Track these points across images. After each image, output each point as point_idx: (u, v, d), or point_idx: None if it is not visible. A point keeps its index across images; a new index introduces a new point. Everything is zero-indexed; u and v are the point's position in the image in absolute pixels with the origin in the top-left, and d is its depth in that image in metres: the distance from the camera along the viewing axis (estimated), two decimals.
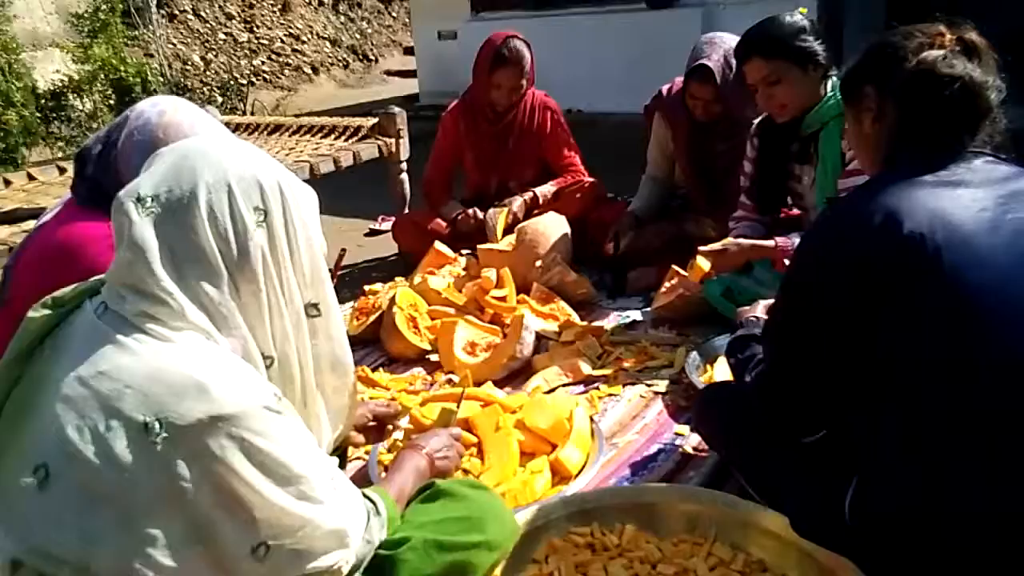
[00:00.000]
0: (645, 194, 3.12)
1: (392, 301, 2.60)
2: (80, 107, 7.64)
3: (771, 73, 2.22)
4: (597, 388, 2.23)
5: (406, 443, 1.51)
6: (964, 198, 1.16)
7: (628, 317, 2.73)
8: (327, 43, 11.55)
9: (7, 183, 3.72)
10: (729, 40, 2.59)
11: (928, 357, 1.12)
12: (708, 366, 2.23)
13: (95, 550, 0.91)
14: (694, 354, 2.25)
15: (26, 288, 1.47)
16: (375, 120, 3.90)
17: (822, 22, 3.86)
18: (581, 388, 2.26)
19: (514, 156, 3.33)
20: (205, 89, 9.08)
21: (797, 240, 2.26)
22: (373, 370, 2.46)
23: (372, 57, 12.03)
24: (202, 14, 10.40)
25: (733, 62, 2.50)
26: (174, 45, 9.78)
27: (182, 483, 0.92)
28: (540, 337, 2.48)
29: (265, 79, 10.37)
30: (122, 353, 0.95)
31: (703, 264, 2.32)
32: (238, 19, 10.73)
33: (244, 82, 9.38)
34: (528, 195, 3.26)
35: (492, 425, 1.86)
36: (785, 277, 1.37)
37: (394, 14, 12.68)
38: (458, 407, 1.73)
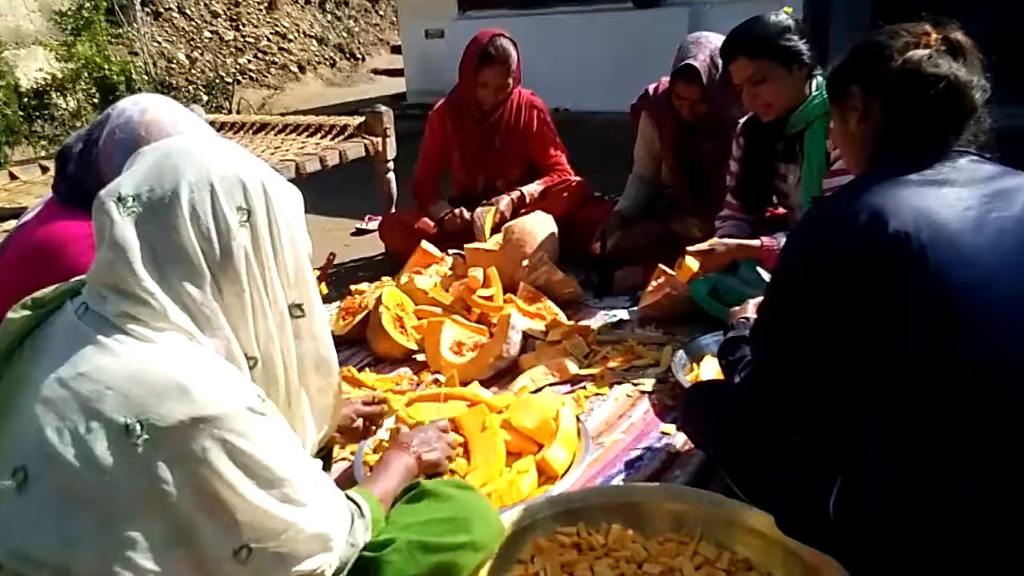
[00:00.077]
0: (632, 193, 3.13)
1: (378, 301, 2.59)
2: (64, 106, 7.56)
3: (756, 72, 2.23)
4: (584, 387, 2.23)
5: (392, 441, 1.50)
6: (949, 197, 1.17)
7: (615, 316, 2.73)
8: (314, 41, 11.50)
9: None
10: (715, 40, 2.60)
11: (912, 356, 1.13)
12: (694, 365, 2.23)
13: (75, 553, 0.90)
14: (680, 353, 2.25)
15: (6, 288, 1.45)
16: (362, 119, 3.89)
17: (808, 21, 3.87)
18: (568, 387, 2.25)
19: (501, 155, 3.33)
20: (190, 87, 9.02)
21: (783, 239, 2.27)
22: (359, 370, 2.45)
23: (359, 56, 11.99)
24: (187, 12, 10.33)
25: (719, 62, 2.50)
26: (159, 43, 9.71)
27: (163, 485, 0.91)
28: (527, 336, 2.47)
29: (251, 78, 10.31)
30: (103, 354, 0.94)
31: (692, 264, 2.32)
32: (224, 17, 10.66)
33: (230, 81, 9.32)
34: (515, 194, 3.26)
35: (478, 425, 1.85)
36: (772, 277, 1.38)
37: (381, 12, 12.64)
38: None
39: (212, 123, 4.22)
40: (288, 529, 0.99)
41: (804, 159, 2.35)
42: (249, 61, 10.45)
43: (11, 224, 2.36)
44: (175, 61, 9.66)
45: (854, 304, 1.16)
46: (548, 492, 1.67)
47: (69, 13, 7.96)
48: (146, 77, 8.48)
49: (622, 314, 2.74)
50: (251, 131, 4.16)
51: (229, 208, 1.02)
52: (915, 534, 1.13)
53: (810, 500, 1.26)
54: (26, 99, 7.38)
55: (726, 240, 2.39)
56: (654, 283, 2.65)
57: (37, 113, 7.45)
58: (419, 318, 2.63)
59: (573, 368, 2.30)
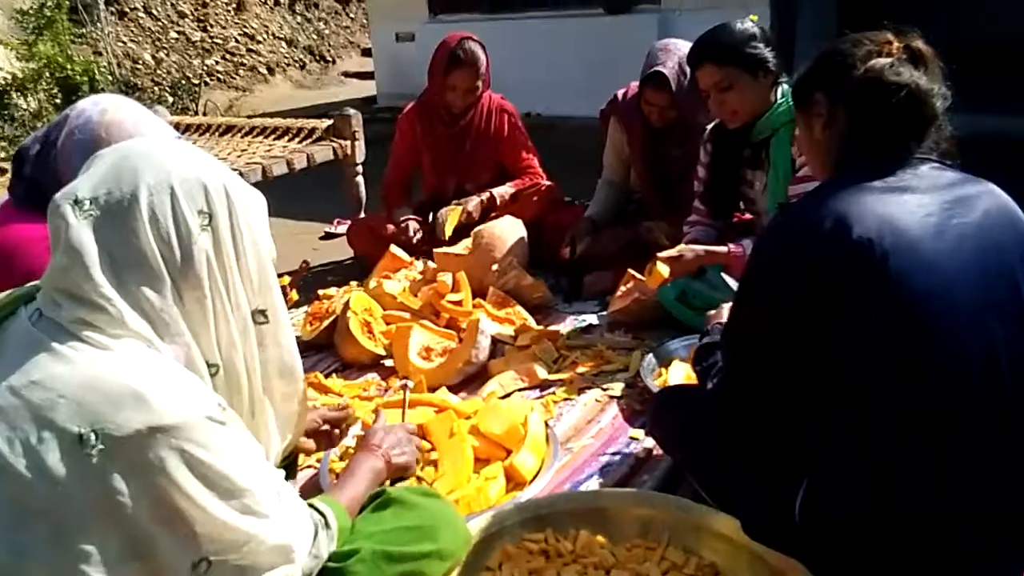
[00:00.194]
0: (601, 199, 3.14)
1: (346, 306, 2.56)
2: (24, 106, 7.40)
3: (723, 79, 2.25)
4: (553, 393, 2.23)
5: (360, 443, 1.47)
6: (911, 204, 1.18)
7: (584, 321, 2.73)
8: (283, 43, 11.40)
9: None
10: (683, 47, 2.62)
11: (875, 362, 1.14)
12: (663, 370, 2.24)
13: (26, 565, 0.88)
14: (649, 357, 2.26)
15: None
16: (330, 122, 3.85)
17: (775, 29, 3.92)
18: (537, 393, 2.25)
19: (471, 159, 3.32)
20: (156, 88, 8.88)
21: (749, 245, 2.29)
22: (326, 376, 2.42)
23: (329, 58, 11.91)
24: (154, 12, 10.18)
25: (687, 69, 2.52)
26: (124, 43, 9.55)
27: (119, 497, 0.89)
28: (496, 341, 2.47)
29: (219, 79, 10.19)
30: (56, 362, 0.92)
31: (663, 270, 2.33)
32: (191, 18, 10.52)
33: (197, 82, 9.20)
34: (485, 195, 3.25)
35: (446, 431, 1.84)
36: (740, 283, 1.38)
37: (352, 15, 12.57)
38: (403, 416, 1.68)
39: (177, 125, 4.16)
40: (249, 541, 0.97)
41: (770, 166, 2.37)
42: (217, 62, 10.32)
43: None
44: (141, 61, 9.51)
45: (820, 310, 1.16)
46: (516, 498, 1.66)
47: (31, 12, 7.79)
48: (110, 77, 8.34)
49: (591, 319, 2.74)
50: (217, 133, 4.10)
51: (190, 212, 1.00)
52: (878, 539, 1.15)
53: (776, 504, 1.27)
54: None
55: (694, 247, 2.41)
56: (623, 288, 2.66)
57: None
58: (387, 323, 2.61)
59: (542, 373, 2.30)
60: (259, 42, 11.05)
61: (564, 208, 3.35)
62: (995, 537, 1.16)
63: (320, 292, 2.99)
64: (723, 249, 2.37)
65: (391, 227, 3.31)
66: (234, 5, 11.07)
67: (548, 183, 3.35)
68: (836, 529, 1.18)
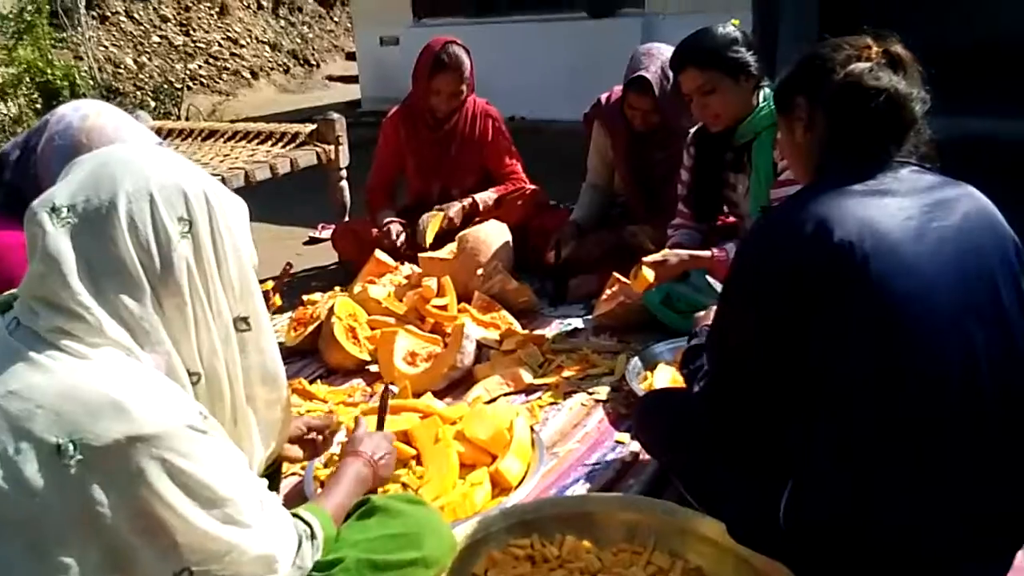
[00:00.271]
0: (586, 202, 3.14)
1: (330, 311, 2.55)
2: (4, 111, 7.33)
3: (705, 83, 2.26)
4: (539, 397, 2.23)
5: (344, 449, 1.46)
6: (891, 207, 1.19)
7: (570, 325, 2.73)
8: (267, 47, 11.35)
9: None
10: (666, 51, 2.63)
11: (856, 365, 1.14)
12: (648, 373, 2.24)
13: None
14: (634, 361, 2.26)
15: None
16: (313, 126, 3.84)
17: (757, 32, 3.94)
18: (523, 397, 2.25)
19: (456, 163, 3.32)
20: (138, 93, 8.82)
21: (732, 249, 2.30)
22: (311, 382, 2.41)
23: (313, 62, 11.88)
24: (135, 16, 10.11)
25: (670, 73, 2.53)
26: (106, 47, 9.48)
27: (98, 508, 0.88)
28: (481, 346, 2.46)
29: (202, 83, 10.13)
30: (34, 371, 0.91)
31: (648, 274, 2.34)
32: (174, 22, 10.46)
33: (179, 86, 9.14)
34: (467, 201, 3.24)
35: (431, 437, 1.83)
36: (723, 286, 1.39)
37: (336, 19, 12.54)
38: (382, 423, 1.66)
39: (159, 130, 4.12)
40: (231, 551, 0.96)
41: (752, 169, 2.38)
42: (200, 67, 10.27)
43: None
44: (122, 66, 9.45)
45: (802, 313, 1.17)
46: (502, 504, 1.66)
47: (10, 16, 7.73)
48: (91, 82, 8.27)
49: (577, 323, 2.74)
50: (199, 138, 4.07)
51: (169, 218, 0.99)
52: (861, 541, 1.15)
53: (761, 508, 1.27)
54: None
55: (678, 251, 2.42)
56: (608, 291, 2.66)
57: None
58: (372, 328, 2.60)
59: (528, 378, 2.29)
60: (242, 46, 11.00)
61: (549, 212, 3.35)
62: (976, 539, 1.17)
63: (304, 297, 2.97)
64: (707, 253, 2.38)
65: (375, 231, 3.30)
66: (217, 9, 11.02)
67: (532, 187, 3.35)
68: (820, 532, 1.18)
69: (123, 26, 9.91)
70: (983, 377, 1.13)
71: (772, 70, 2.33)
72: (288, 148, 3.77)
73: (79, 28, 8.94)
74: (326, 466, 1.87)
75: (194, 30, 10.61)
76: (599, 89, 3.14)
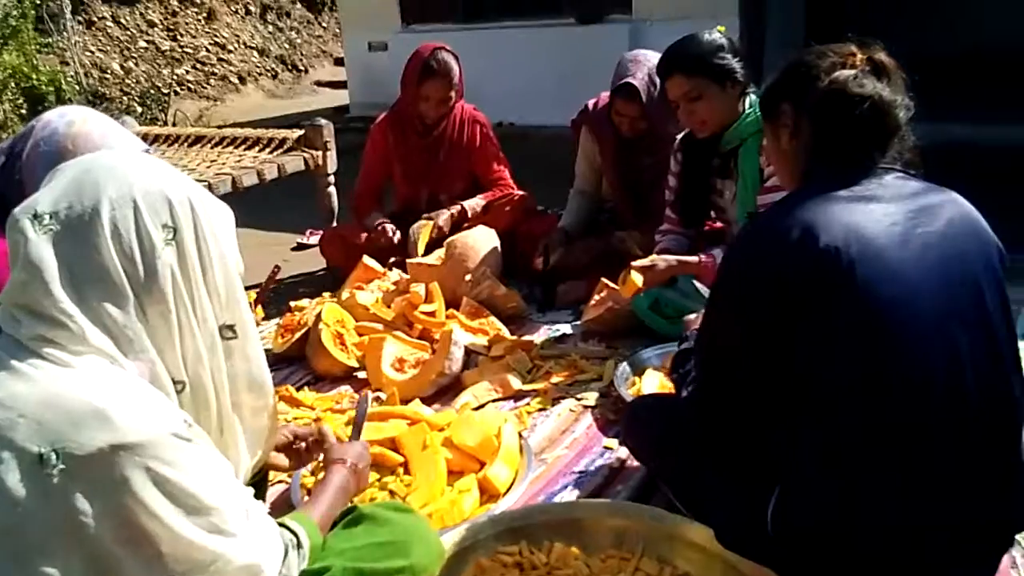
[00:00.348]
0: (574, 209, 3.15)
1: (318, 317, 2.54)
2: None
3: (692, 89, 2.28)
4: (527, 403, 2.22)
5: (327, 457, 1.44)
6: (876, 212, 1.19)
7: (558, 331, 2.73)
8: (255, 53, 11.32)
9: None
10: (653, 58, 2.64)
11: (842, 371, 1.15)
12: (636, 379, 2.24)
13: None
14: (623, 366, 2.26)
15: None
16: (301, 132, 3.83)
17: (744, 39, 3.97)
18: (511, 403, 2.24)
19: (444, 169, 3.32)
20: (125, 98, 8.77)
21: (720, 254, 2.31)
22: (298, 389, 2.40)
23: (302, 67, 11.85)
24: (122, 21, 10.06)
25: (657, 79, 2.54)
26: (92, 53, 9.43)
27: (81, 517, 0.87)
28: (469, 352, 2.46)
29: (190, 88, 10.09)
30: (16, 380, 0.90)
31: (637, 279, 2.35)
32: (161, 27, 10.41)
33: (166, 91, 9.10)
34: (455, 209, 3.24)
35: (419, 444, 1.83)
36: (710, 292, 1.39)
37: (324, 24, 12.52)
38: (359, 433, 1.64)
39: (145, 135, 4.11)
40: (216, 560, 0.96)
41: (739, 175, 2.40)
42: (187, 72, 10.23)
43: None
44: (109, 71, 9.39)
45: (788, 319, 1.17)
46: (490, 511, 1.65)
47: None
48: (77, 87, 8.23)
49: (565, 328, 2.74)
50: (186, 143, 4.05)
51: (153, 226, 0.98)
52: (848, 547, 1.15)
53: (749, 513, 1.27)
54: None
55: (666, 257, 2.43)
56: (597, 297, 2.66)
57: None
58: (360, 334, 2.59)
59: (516, 384, 2.29)
60: (230, 51, 10.97)
61: (537, 217, 3.36)
62: (962, 544, 1.18)
63: (292, 304, 2.96)
64: (694, 259, 2.39)
65: (364, 235, 3.29)
66: (204, 14, 10.98)
67: (520, 193, 3.35)
68: (807, 538, 1.18)
69: (110, 31, 9.86)
70: (968, 382, 1.14)
71: (758, 76, 2.34)
72: (276, 154, 3.76)
73: (65, 33, 8.89)
74: (313, 474, 1.86)
75: (181, 35, 10.57)
76: (587, 95, 3.14)
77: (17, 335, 0.93)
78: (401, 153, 3.32)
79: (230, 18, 11.35)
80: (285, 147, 3.79)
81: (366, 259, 3.04)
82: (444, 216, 3.20)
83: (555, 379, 2.35)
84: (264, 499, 1.50)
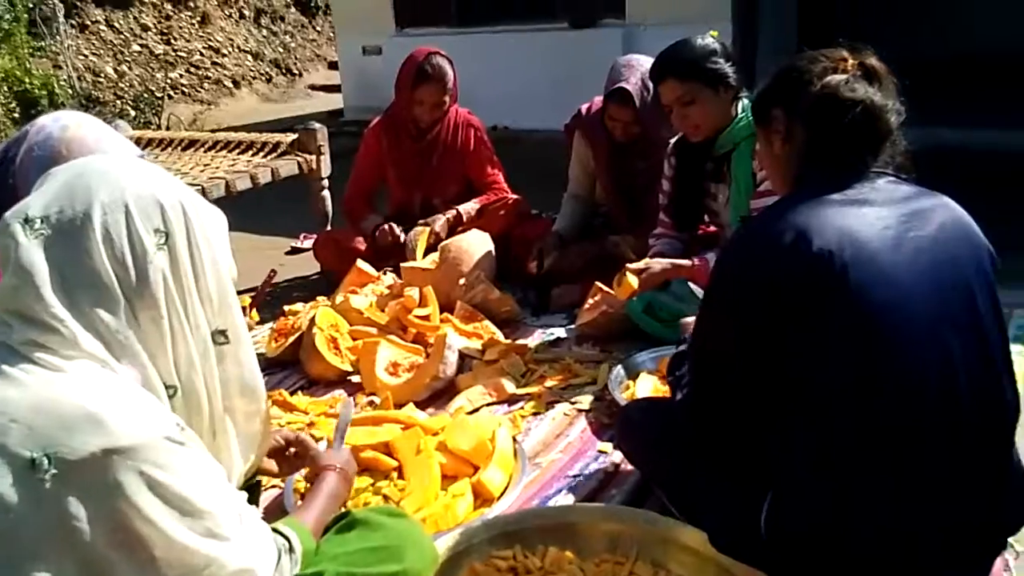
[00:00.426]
0: (567, 213, 3.15)
1: (312, 322, 2.53)
2: None
3: (685, 94, 2.28)
4: (521, 407, 2.22)
5: (316, 463, 1.44)
6: (869, 216, 1.20)
7: (552, 334, 2.73)
8: (248, 56, 11.30)
9: None
10: (646, 62, 2.65)
11: (835, 374, 1.15)
12: (631, 382, 2.24)
13: None
14: (617, 370, 2.27)
15: None
16: (295, 136, 3.82)
17: (736, 43, 3.98)
18: (505, 407, 2.24)
19: (438, 173, 3.32)
20: (118, 102, 8.76)
21: (713, 258, 2.32)
22: (292, 393, 2.39)
23: (296, 71, 11.83)
24: (115, 25, 10.04)
25: (650, 84, 2.55)
26: (85, 56, 9.40)
27: (74, 522, 0.87)
28: (464, 356, 2.46)
29: (184, 92, 10.07)
30: (7, 385, 0.90)
31: (632, 281, 2.35)
32: (154, 31, 10.40)
33: (160, 95, 9.09)
34: (451, 213, 3.24)
35: (413, 448, 1.82)
36: (703, 296, 1.40)
37: (318, 28, 12.51)
38: (342, 439, 1.64)
39: (139, 139, 4.09)
40: (210, 565, 0.95)
41: (732, 179, 2.40)
42: (181, 75, 10.21)
43: None
44: (102, 75, 9.37)
45: (781, 323, 1.18)
46: (484, 515, 1.65)
47: None
48: (70, 91, 8.21)
49: (559, 332, 2.75)
50: (180, 148, 4.04)
51: (145, 230, 0.98)
52: (842, 550, 1.16)
53: (742, 517, 1.27)
54: None
55: (661, 260, 2.43)
56: (590, 301, 2.66)
57: None
58: (354, 339, 2.59)
59: (510, 387, 2.29)
60: (224, 55, 10.95)
61: (531, 221, 3.36)
62: (955, 547, 1.18)
63: (286, 308, 2.96)
64: (688, 263, 2.40)
65: (365, 237, 3.28)
66: (198, 18, 10.96)
67: (514, 197, 3.35)
68: (800, 541, 1.19)
69: (103, 35, 9.84)
70: (960, 386, 1.15)
71: (751, 81, 2.35)
72: (269, 158, 3.76)
73: (58, 37, 8.87)
74: (306, 478, 1.85)
75: (175, 39, 10.55)
76: (580, 99, 3.15)
77: (8, 340, 0.93)
78: (395, 157, 3.32)
79: (224, 22, 11.34)
80: (279, 151, 3.79)
81: (360, 263, 3.03)
82: (440, 222, 3.20)
83: (549, 383, 2.35)
84: (257, 504, 1.50)
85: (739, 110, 2.36)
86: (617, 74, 2.76)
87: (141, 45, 10.10)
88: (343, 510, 1.33)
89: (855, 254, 1.15)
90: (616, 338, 2.58)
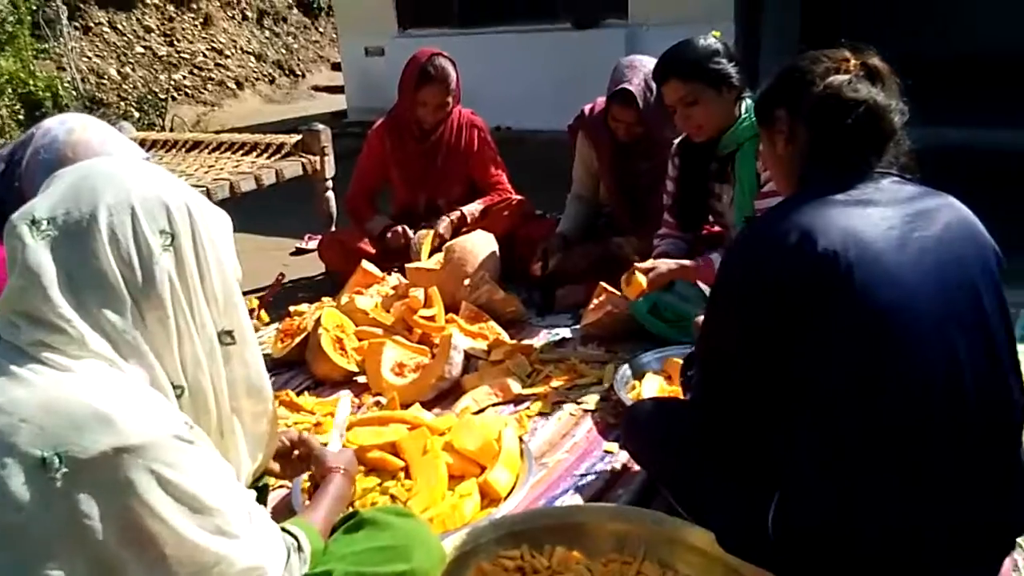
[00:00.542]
0: (571, 214, 3.15)
1: (317, 322, 2.54)
2: None
3: (688, 94, 2.28)
4: (527, 407, 2.23)
5: (318, 467, 1.44)
6: (873, 216, 1.20)
7: (557, 335, 2.73)
8: (251, 58, 11.32)
9: None
10: (649, 63, 2.65)
11: (841, 374, 1.15)
12: (636, 382, 2.24)
13: None
14: (623, 370, 2.27)
15: None
16: (298, 137, 3.83)
17: (739, 44, 3.98)
18: (511, 408, 2.24)
19: (442, 174, 3.32)
20: (122, 104, 8.78)
21: (717, 258, 2.32)
22: (298, 394, 2.39)
23: (299, 72, 11.85)
24: (119, 27, 10.06)
25: (653, 84, 2.55)
26: (89, 58, 9.43)
27: (85, 520, 0.87)
28: (469, 356, 2.46)
29: (187, 94, 10.09)
30: (16, 385, 0.90)
31: (642, 280, 2.35)
32: (157, 32, 10.42)
33: (163, 97, 9.11)
34: (455, 215, 3.25)
35: (419, 448, 1.82)
36: (709, 297, 1.40)
37: (321, 29, 12.53)
38: (340, 436, 1.64)
39: (143, 141, 4.10)
40: (220, 563, 0.96)
41: (736, 180, 2.40)
42: (184, 77, 10.22)
43: None
44: (106, 76, 9.39)
45: (786, 323, 1.18)
46: (491, 515, 1.65)
47: None
48: (74, 93, 8.23)
49: (564, 332, 2.75)
50: (184, 149, 4.05)
51: (151, 231, 0.98)
52: (849, 550, 1.16)
53: (750, 517, 1.28)
54: None
55: (667, 260, 2.43)
56: (595, 301, 2.66)
57: None
58: (359, 339, 2.59)
59: (516, 388, 2.29)
60: (227, 56, 10.97)
61: (535, 221, 3.36)
62: (963, 546, 1.18)
63: (291, 308, 2.96)
64: (694, 264, 2.40)
65: (365, 240, 3.29)
66: (201, 20, 10.98)
67: (518, 197, 3.35)
68: (807, 541, 1.19)
69: (106, 37, 9.86)
70: (966, 385, 1.14)
71: (754, 82, 2.35)
72: (273, 159, 3.76)
73: (61, 39, 8.89)
74: (310, 480, 1.85)
75: (178, 40, 10.57)
76: (583, 99, 3.15)
77: (16, 341, 0.94)
78: (399, 158, 3.33)
79: (227, 23, 11.36)
80: (283, 152, 3.79)
81: (365, 264, 3.04)
82: (444, 223, 3.20)
83: (555, 383, 2.35)
84: (265, 504, 1.50)
85: (742, 110, 2.36)
86: (620, 75, 2.76)
87: (144, 47, 10.12)
88: (350, 510, 1.34)
89: (860, 254, 1.15)
90: (621, 338, 2.58)
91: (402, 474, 1.82)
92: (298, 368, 2.59)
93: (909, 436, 1.14)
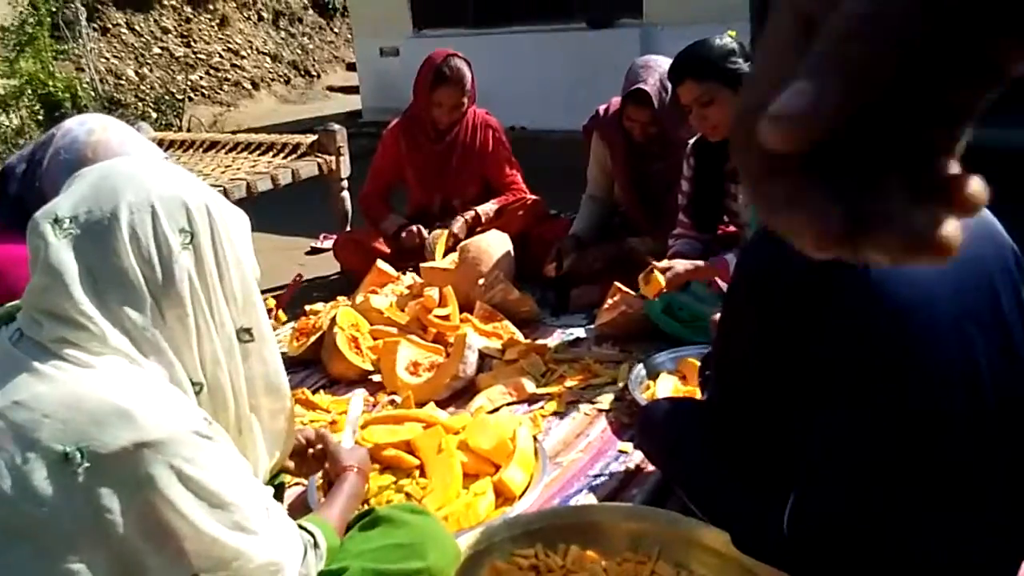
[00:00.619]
0: (586, 214, 3.15)
1: (333, 321, 2.55)
2: (6, 123, 7.37)
3: (703, 94, 2.28)
4: (541, 407, 2.23)
5: (332, 464, 1.46)
6: None
7: (572, 334, 2.73)
8: (267, 58, 11.39)
9: None
10: (664, 63, 2.64)
11: (856, 374, 1.14)
12: (651, 382, 2.24)
13: None
14: (637, 370, 2.26)
15: None
16: (314, 137, 3.85)
17: (754, 43, 3.95)
18: (526, 407, 2.25)
19: (457, 174, 3.33)
20: (140, 104, 8.86)
21: (732, 259, 2.31)
22: (313, 392, 2.41)
23: (314, 73, 11.91)
24: (136, 28, 10.15)
25: (668, 84, 2.55)
26: (107, 59, 9.52)
27: (106, 514, 0.88)
28: (483, 356, 2.46)
29: (203, 94, 10.17)
30: (39, 381, 0.91)
31: (660, 279, 2.35)
32: (174, 33, 10.50)
33: (180, 97, 9.18)
34: (470, 215, 3.26)
35: (434, 447, 1.83)
36: (725, 296, 1.40)
37: (336, 30, 12.59)
38: (352, 433, 1.65)
39: (160, 141, 4.14)
40: (238, 558, 0.97)
41: None
42: (201, 78, 10.30)
43: None
44: (124, 77, 9.48)
45: (802, 323, 1.17)
46: (506, 514, 1.66)
47: (12, 29, 7.77)
48: (92, 93, 8.31)
49: (579, 332, 2.74)
50: (201, 149, 4.08)
51: (171, 230, 1.00)
52: (865, 552, 1.15)
53: (765, 517, 1.27)
54: None
55: (683, 260, 2.43)
56: (610, 301, 2.66)
57: None
58: (374, 338, 2.60)
59: (530, 387, 2.29)
60: (243, 57, 11.04)
61: (549, 221, 3.36)
62: (982, 548, 1.17)
63: (307, 307, 2.98)
64: (710, 264, 2.39)
65: (380, 239, 3.30)
66: (217, 21, 11.06)
67: (533, 197, 3.36)
68: (823, 542, 1.18)
69: (124, 38, 9.95)
70: (985, 385, 1.14)
71: None
72: (289, 159, 3.78)
73: (80, 40, 8.98)
74: (324, 478, 1.87)
75: (195, 41, 10.65)
76: (598, 99, 3.15)
77: (38, 338, 0.95)
78: (414, 159, 3.34)
79: (243, 24, 11.44)
80: (299, 152, 3.81)
81: (380, 263, 3.05)
82: (459, 223, 3.21)
83: (569, 383, 2.35)
84: (282, 501, 1.52)
85: None
86: (635, 75, 2.76)
87: (162, 48, 10.21)
88: (366, 507, 1.35)
89: None
90: (636, 338, 2.57)
91: (417, 472, 1.82)
92: (314, 367, 2.60)
93: (926, 435, 1.13)
